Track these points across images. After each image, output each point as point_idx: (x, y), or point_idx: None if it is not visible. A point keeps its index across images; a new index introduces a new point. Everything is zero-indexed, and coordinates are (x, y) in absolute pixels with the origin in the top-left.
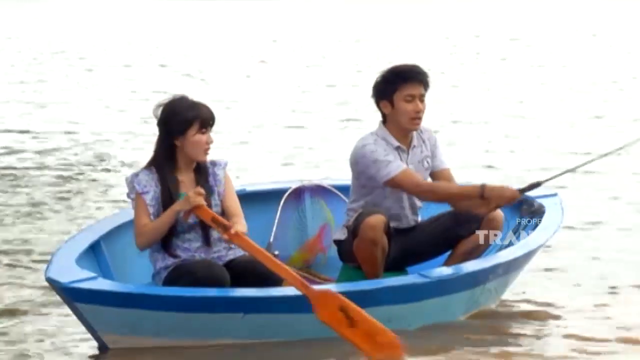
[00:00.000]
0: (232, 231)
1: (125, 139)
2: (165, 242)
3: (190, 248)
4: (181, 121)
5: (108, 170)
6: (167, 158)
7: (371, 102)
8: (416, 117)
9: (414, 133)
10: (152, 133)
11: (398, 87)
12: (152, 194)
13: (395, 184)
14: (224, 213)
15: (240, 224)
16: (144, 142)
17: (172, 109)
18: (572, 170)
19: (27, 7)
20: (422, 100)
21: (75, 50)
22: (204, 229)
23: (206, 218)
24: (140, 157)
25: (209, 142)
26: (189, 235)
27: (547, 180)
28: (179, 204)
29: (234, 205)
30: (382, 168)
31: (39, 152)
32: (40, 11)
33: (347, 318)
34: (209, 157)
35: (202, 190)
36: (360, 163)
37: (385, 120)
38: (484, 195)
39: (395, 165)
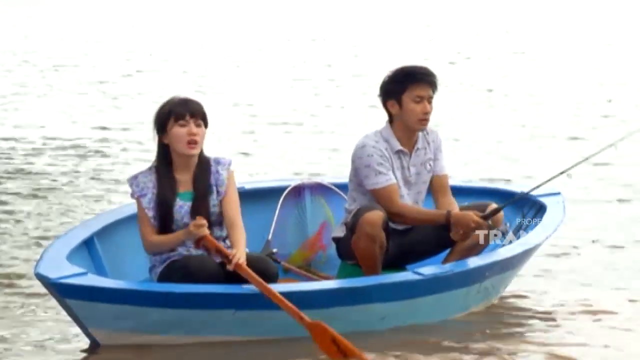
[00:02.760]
0: (234, 262)
1: (101, 145)
2: (164, 234)
3: (187, 243)
4: (159, 119)
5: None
6: (163, 158)
7: (369, 101)
8: (424, 119)
9: (420, 134)
10: (124, 139)
11: (407, 87)
12: (149, 196)
13: (377, 196)
14: (221, 216)
15: (239, 238)
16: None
17: (156, 111)
18: (536, 187)
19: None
20: (430, 102)
21: (44, 52)
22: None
23: (210, 248)
24: (121, 164)
25: (191, 134)
26: None
27: (504, 206)
28: (184, 235)
29: (233, 212)
30: (371, 176)
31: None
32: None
33: (340, 351)
34: (214, 155)
35: (202, 222)
36: (356, 162)
37: (391, 120)
38: (449, 221)
39: (384, 179)
